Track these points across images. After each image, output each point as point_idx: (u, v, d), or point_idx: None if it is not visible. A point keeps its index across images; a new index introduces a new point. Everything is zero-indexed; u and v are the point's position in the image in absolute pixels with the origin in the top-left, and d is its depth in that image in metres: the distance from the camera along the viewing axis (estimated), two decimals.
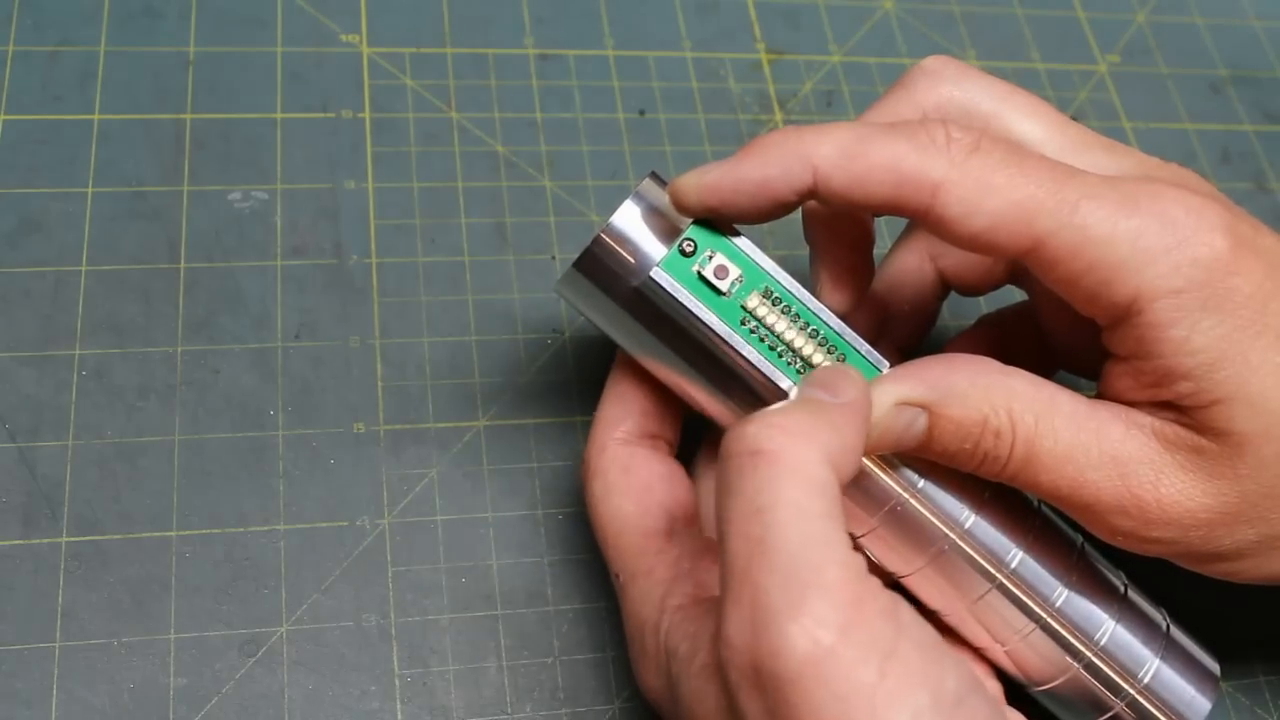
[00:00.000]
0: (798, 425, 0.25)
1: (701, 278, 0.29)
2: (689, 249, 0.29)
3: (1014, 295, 0.35)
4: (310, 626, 0.33)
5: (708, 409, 0.30)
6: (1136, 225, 0.26)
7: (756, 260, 0.29)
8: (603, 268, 0.29)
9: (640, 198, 0.30)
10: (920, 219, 0.27)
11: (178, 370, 0.35)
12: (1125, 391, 0.28)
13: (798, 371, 0.29)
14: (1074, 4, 0.50)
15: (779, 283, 0.29)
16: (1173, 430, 0.27)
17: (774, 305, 0.29)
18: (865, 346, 0.29)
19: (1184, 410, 0.27)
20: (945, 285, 0.34)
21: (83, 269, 0.36)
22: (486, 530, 0.35)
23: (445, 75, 0.42)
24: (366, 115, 0.41)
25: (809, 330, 0.29)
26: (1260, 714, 0.36)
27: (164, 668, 0.31)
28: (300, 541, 0.34)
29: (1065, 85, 0.47)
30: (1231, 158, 0.47)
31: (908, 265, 0.34)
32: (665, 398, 0.32)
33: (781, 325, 0.29)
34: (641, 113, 0.43)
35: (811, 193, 0.27)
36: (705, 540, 0.30)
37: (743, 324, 0.29)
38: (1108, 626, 0.30)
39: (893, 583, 0.31)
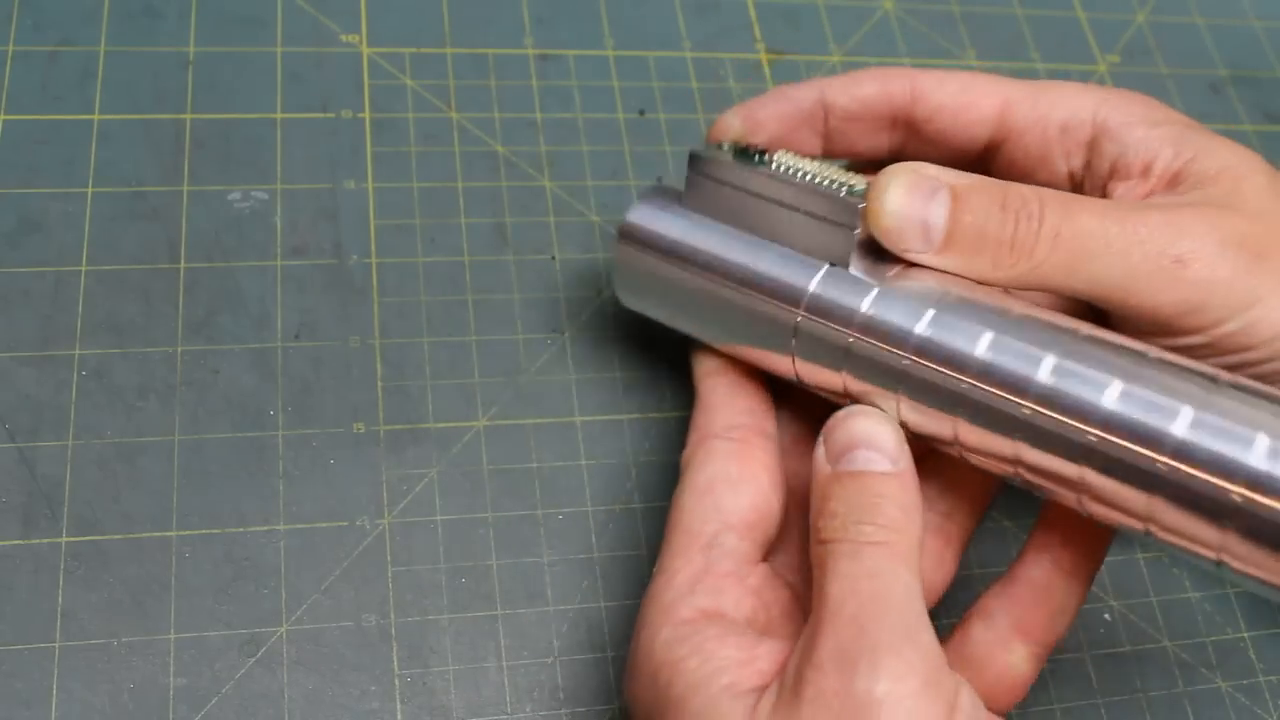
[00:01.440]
0: (902, 522, 0.27)
1: (736, 149, 0.33)
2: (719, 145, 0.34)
3: None
4: (310, 626, 0.33)
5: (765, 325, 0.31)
6: (1072, 86, 0.33)
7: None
8: (654, 207, 0.34)
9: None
10: (907, 105, 0.34)
11: (178, 370, 0.35)
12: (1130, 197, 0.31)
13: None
14: (1074, 4, 0.50)
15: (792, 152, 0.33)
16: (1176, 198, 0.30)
17: (799, 157, 0.32)
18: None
19: (1180, 181, 0.30)
20: None
21: (83, 269, 0.36)
22: (486, 530, 0.35)
23: (445, 75, 0.42)
24: (366, 115, 0.41)
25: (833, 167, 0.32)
26: (1260, 714, 0.36)
27: (164, 668, 0.32)
28: (300, 541, 0.34)
29: None
30: None
31: None
32: (755, 390, 0.33)
33: (814, 165, 0.31)
34: (641, 113, 0.43)
35: (821, 104, 0.34)
36: (738, 562, 0.30)
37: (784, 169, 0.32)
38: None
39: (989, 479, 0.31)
